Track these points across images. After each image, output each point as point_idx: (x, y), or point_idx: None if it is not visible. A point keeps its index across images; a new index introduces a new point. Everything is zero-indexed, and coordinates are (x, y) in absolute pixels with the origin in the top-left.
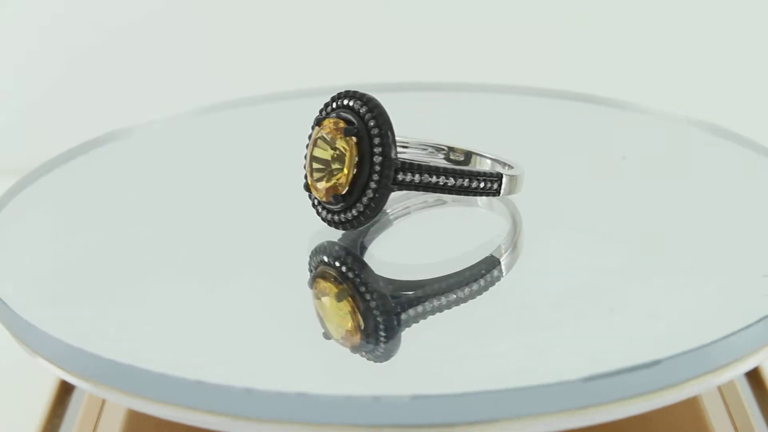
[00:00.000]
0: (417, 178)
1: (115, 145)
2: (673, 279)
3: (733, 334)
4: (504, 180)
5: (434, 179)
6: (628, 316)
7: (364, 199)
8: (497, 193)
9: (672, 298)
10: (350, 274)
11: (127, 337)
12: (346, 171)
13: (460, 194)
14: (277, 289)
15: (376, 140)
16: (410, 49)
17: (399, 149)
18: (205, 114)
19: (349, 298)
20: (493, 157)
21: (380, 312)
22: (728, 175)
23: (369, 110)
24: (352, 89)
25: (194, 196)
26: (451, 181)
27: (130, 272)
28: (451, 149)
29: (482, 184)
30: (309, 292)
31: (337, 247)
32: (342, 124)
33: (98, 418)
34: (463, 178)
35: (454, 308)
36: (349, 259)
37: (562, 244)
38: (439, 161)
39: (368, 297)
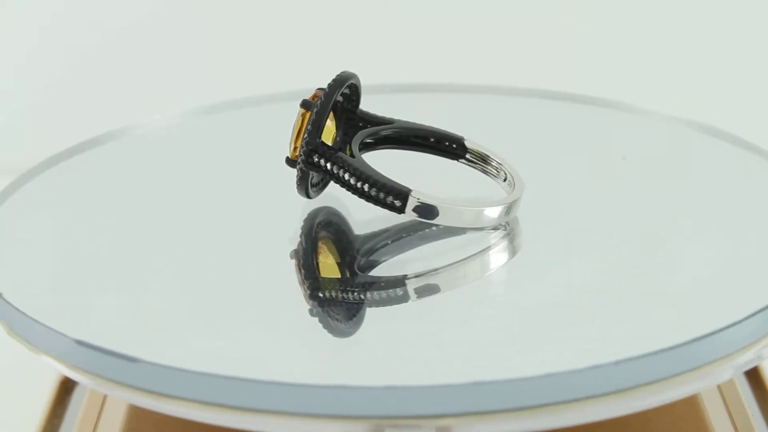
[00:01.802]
0: (328, 165)
1: (114, 145)
2: (673, 278)
3: (730, 326)
4: (411, 200)
5: (341, 173)
6: (628, 314)
7: (296, 172)
8: (401, 210)
9: (671, 297)
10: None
11: (127, 330)
12: (293, 141)
13: (362, 198)
14: (275, 284)
15: (309, 118)
16: (410, 50)
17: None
18: (205, 114)
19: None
20: (505, 169)
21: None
22: (726, 175)
23: (325, 89)
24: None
25: (193, 195)
26: (352, 181)
27: (130, 268)
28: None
29: (382, 195)
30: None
31: (326, 217)
32: (313, 98)
33: (98, 418)
34: (364, 182)
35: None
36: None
37: (562, 244)
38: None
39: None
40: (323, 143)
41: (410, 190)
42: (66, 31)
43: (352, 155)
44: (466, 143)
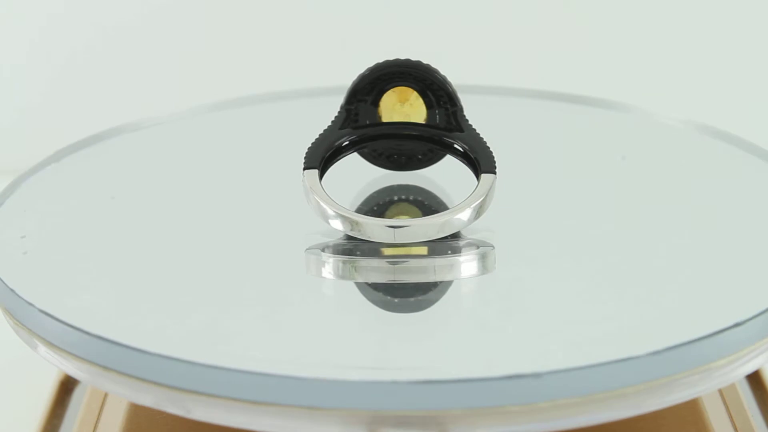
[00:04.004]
0: None
1: (115, 142)
2: (673, 279)
3: (729, 328)
4: (303, 178)
5: None
6: (627, 313)
7: None
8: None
9: (671, 298)
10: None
11: (127, 323)
12: None
13: None
14: (273, 278)
15: None
16: (411, 49)
17: None
18: (205, 113)
19: None
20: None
21: None
22: (726, 176)
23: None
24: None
25: (195, 192)
26: None
27: (131, 263)
28: None
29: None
30: (305, 281)
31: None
32: None
33: (98, 418)
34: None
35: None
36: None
37: (561, 243)
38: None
39: None
40: (346, 108)
41: (311, 169)
42: (65, 31)
43: None
44: (481, 174)
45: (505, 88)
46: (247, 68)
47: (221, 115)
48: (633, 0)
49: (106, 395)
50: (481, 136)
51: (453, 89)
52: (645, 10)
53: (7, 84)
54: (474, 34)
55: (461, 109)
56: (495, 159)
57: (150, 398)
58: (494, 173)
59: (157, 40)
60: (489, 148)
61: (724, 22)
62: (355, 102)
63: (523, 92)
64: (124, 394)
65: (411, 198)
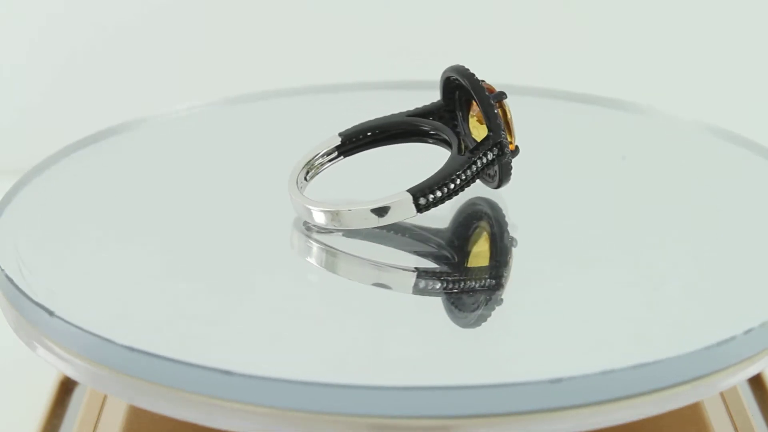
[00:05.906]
0: None
1: (115, 141)
2: (673, 281)
3: (733, 338)
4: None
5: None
6: (628, 316)
7: None
8: None
9: (672, 300)
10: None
11: (128, 320)
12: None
13: None
14: (273, 276)
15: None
16: (412, 49)
17: None
18: (204, 112)
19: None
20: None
21: None
22: (728, 176)
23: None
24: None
25: (195, 190)
26: None
27: (133, 261)
28: None
29: None
30: (307, 279)
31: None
32: None
33: (98, 418)
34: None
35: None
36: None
37: (561, 245)
38: None
39: None
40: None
41: (337, 133)
42: (65, 31)
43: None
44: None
45: (507, 87)
46: (247, 67)
47: (220, 115)
48: None
49: (106, 395)
50: (469, 173)
51: (500, 127)
52: (649, 8)
53: (7, 84)
54: (474, 33)
55: (496, 135)
56: (435, 193)
57: (148, 399)
58: (410, 195)
59: (157, 40)
60: (450, 178)
61: (727, 21)
62: (447, 99)
63: (525, 90)
64: (124, 396)
65: None
